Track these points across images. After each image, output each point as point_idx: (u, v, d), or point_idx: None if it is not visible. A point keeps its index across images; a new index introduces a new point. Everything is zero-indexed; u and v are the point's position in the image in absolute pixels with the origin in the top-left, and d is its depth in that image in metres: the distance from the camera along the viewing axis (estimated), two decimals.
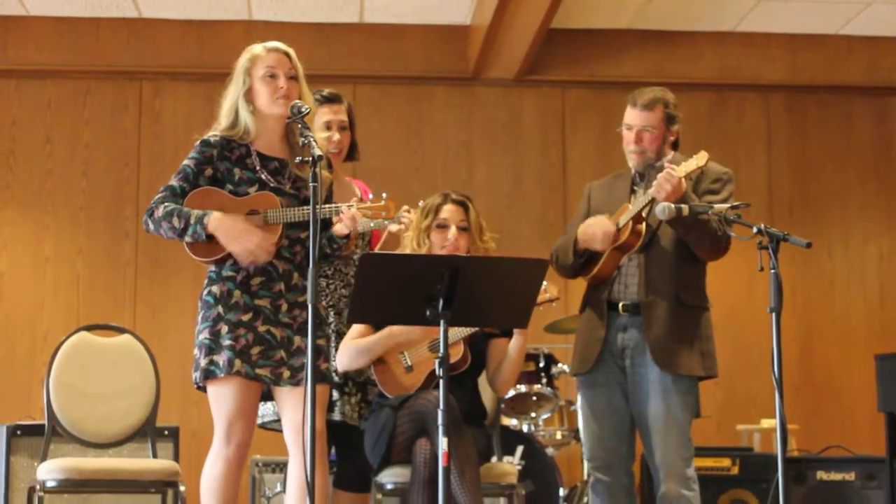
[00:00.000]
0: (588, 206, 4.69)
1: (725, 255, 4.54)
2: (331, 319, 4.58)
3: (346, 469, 4.60)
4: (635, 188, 4.58)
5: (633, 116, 4.54)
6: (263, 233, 3.89)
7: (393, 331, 4.36)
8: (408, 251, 4.46)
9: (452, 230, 4.45)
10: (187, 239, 3.90)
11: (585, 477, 5.77)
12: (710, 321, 4.54)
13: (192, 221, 3.88)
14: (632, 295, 4.46)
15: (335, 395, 4.53)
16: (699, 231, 4.33)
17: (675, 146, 4.62)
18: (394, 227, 4.55)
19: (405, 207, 4.42)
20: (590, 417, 4.54)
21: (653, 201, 4.33)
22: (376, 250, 4.70)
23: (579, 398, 4.62)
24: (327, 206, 3.99)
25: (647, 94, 4.53)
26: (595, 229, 4.46)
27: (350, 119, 4.78)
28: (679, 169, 4.28)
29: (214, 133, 4.02)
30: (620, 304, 4.47)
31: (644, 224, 4.44)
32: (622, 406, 4.49)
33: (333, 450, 4.69)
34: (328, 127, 4.68)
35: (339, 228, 3.98)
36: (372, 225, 4.01)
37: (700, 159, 4.30)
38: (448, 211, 4.48)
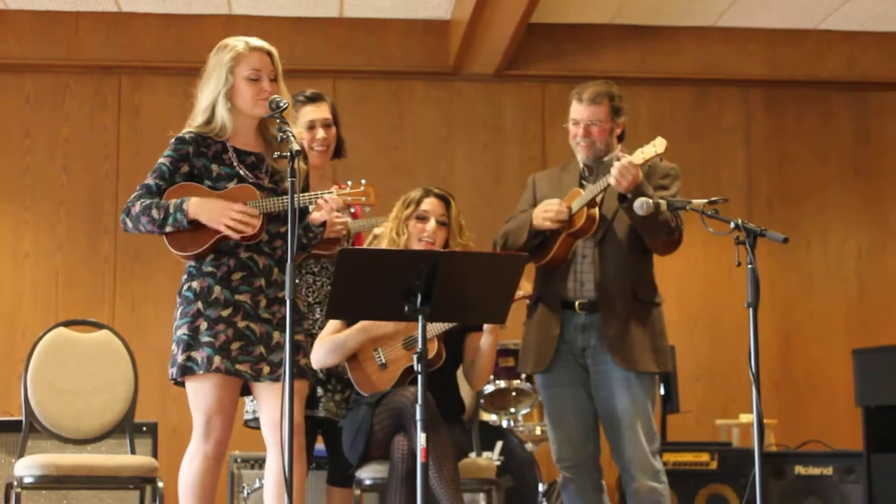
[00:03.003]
0: (534, 197, 4.66)
1: (678, 248, 4.53)
2: (317, 315, 4.58)
3: (337, 465, 4.59)
4: (584, 182, 4.55)
5: (579, 111, 4.52)
6: (243, 205, 3.86)
7: (365, 325, 4.36)
8: (385, 241, 4.46)
9: (431, 222, 4.45)
10: (168, 229, 3.87)
11: None
12: (663, 316, 4.55)
13: (171, 210, 3.86)
14: (588, 293, 4.45)
15: (319, 391, 4.53)
16: (654, 222, 4.31)
17: (620, 138, 4.61)
18: (378, 230, 4.57)
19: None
20: (556, 419, 4.53)
21: (607, 188, 4.33)
22: None
23: (542, 399, 4.60)
24: (306, 194, 3.98)
25: (592, 88, 4.51)
26: (549, 205, 4.43)
27: (334, 116, 4.77)
28: (637, 156, 4.28)
29: (189, 130, 4.00)
30: (577, 303, 4.47)
31: (597, 210, 4.44)
32: (587, 404, 4.49)
33: (323, 446, 4.69)
34: (312, 126, 4.67)
35: (316, 216, 3.97)
36: (352, 221, 3.99)
37: (658, 146, 4.28)
38: (429, 204, 4.47)
